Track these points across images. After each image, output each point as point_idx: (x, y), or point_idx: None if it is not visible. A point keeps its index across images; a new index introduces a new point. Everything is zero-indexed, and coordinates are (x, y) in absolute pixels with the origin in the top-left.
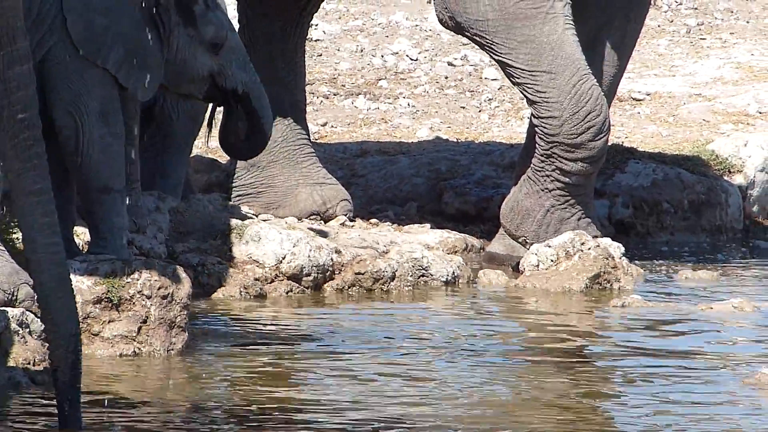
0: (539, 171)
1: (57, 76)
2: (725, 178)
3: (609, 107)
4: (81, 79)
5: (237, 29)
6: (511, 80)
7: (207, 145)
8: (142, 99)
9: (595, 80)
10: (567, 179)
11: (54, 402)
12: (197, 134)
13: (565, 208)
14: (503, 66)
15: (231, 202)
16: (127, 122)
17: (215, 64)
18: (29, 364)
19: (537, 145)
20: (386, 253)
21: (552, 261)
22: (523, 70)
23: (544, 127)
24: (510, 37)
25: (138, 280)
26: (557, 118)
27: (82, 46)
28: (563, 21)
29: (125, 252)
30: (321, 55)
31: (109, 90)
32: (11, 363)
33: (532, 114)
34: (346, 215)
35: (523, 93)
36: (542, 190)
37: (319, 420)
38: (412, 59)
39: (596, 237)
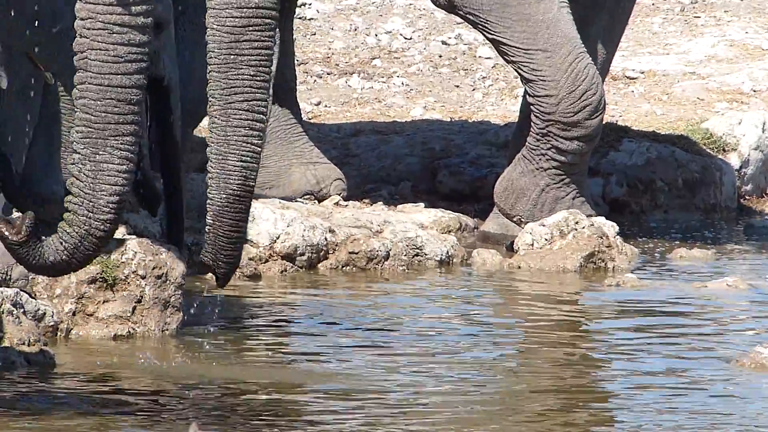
0: (534, 150)
1: None
2: (719, 156)
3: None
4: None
5: None
6: (504, 58)
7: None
8: None
9: (591, 59)
10: (562, 158)
11: (48, 382)
12: None
13: (560, 187)
14: (497, 44)
15: None
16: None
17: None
18: (24, 344)
19: (532, 124)
20: (380, 232)
21: (546, 240)
22: (518, 48)
23: (540, 106)
24: (505, 16)
25: (132, 260)
26: (554, 96)
27: None
28: None
29: None
30: (315, 34)
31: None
32: (6, 343)
33: (527, 93)
34: (339, 194)
35: (517, 71)
36: (537, 169)
37: (313, 401)
38: (406, 38)
39: (590, 216)
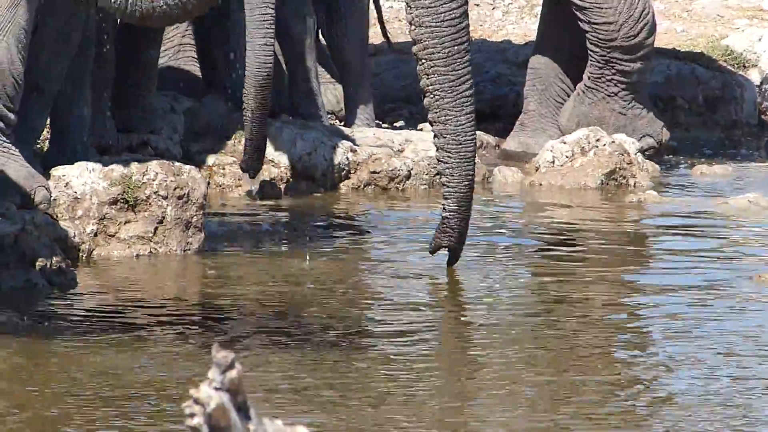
0: (599, 78)
1: None
2: (740, 73)
3: None
4: None
5: None
6: None
7: None
8: None
9: None
10: (628, 79)
11: (70, 303)
12: None
13: (633, 105)
14: None
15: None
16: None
17: None
18: (46, 266)
19: (590, 53)
20: (401, 151)
21: (567, 157)
22: None
23: (599, 33)
24: None
25: (154, 180)
26: (613, 23)
27: None
28: None
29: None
30: None
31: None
32: (28, 265)
33: (580, 21)
34: None
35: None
36: (607, 96)
37: (330, 321)
38: None
39: (664, 128)
